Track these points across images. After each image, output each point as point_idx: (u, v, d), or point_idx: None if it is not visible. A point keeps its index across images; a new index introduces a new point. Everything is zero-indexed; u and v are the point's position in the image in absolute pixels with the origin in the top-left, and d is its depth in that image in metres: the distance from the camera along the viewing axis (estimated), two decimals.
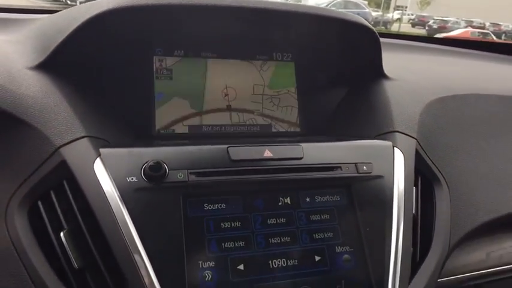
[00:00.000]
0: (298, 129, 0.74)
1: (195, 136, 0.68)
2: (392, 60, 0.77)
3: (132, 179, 0.50)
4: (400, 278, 0.55)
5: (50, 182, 0.50)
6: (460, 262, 0.68)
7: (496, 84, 0.88)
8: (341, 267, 0.54)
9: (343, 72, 0.78)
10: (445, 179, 0.67)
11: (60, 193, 0.50)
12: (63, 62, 0.59)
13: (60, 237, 0.48)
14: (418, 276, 0.58)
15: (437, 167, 0.67)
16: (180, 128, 0.69)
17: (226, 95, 0.71)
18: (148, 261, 0.47)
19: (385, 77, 0.74)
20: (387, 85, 0.73)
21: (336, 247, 0.55)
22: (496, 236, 0.73)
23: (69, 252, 0.48)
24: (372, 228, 0.57)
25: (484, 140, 0.76)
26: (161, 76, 0.69)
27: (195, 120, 0.70)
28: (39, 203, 0.50)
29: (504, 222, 0.71)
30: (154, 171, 0.50)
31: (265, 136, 0.72)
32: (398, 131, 0.65)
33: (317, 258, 0.54)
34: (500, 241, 0.73)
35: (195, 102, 0.70)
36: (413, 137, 0.65)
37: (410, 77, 0.78)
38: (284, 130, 0.73)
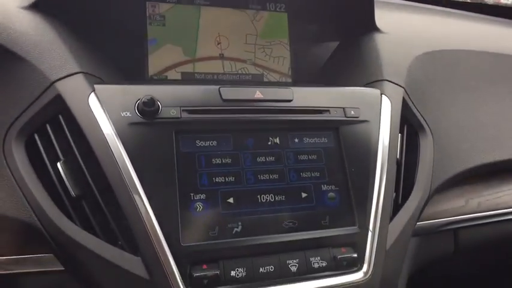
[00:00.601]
0: (289, 80, 0.75)
1: (188, 83, 0.69)
2: (386, 17, 0.78)
3: (126, 113, 0.52)
4: (381, 217, 0.58)
5: (45, 115, 0.52)
6: (440, 208, 0.71)
7: (487, 42, 0.90)
8: (326, 204, 0.57)
9: (335, 24, 0.78)
10: (429, 128, 0.69)
11: (56, 126, 0.52)
12: (56, 2, 0.59)
13: (57, 166, 0.50)
14: (398, 217, 0.61)
15: (423, 116, 0.69)
16: (173, 75, 0.70)
17: (218, 43, 0.72)
18: (143, 191, 0.50)
19: (377, 30, 0.75)
20: (379, 38, 0.74)
21: (322, 185, 0.58)
22: (475, 185, 0.76)
23: (66, 181, 0.50)
24: (357, 170, 0.59)
25: (470, 94, 0.78)
26: (154, 22, 0.69)
27: (187, 68, 0.70)
28: (36, 135, 0.52)
29: (483, 172, 0.74)
30: (148, 107, 0.52)
31: (256, 85, 0.73)
32: (386, 80, 0.67)
33: (303, 195, 0.57)
34: (479, 189, 0.76)
35: (188, 49, 0.71)
36: (401, 86, 0.67)
37: (402, 32, 0.80)
38: (276, 80, 0.75)
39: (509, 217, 0.76)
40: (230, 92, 0.57)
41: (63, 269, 0.52)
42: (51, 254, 0.51)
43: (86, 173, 0.50)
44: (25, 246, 0.52)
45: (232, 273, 0.50)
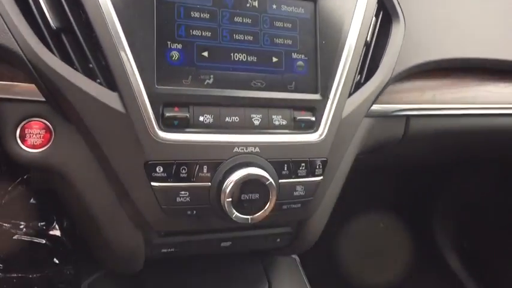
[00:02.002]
0: None
1: None
2: None
3: None
4: (341, 90, 0.63)
5: None
6: (396, 96, 0.77)
7: None
8: (294, 71, 0.62)
9: None
10: (403, 16, 0.72)
11: None
12: None
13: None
14: (357, 94, 0.67)
15: (399, 3, 0.71)
16: None
17: None
18: (122, 31, 0.52)
19: None
20: None
21: (293, 53, 0.62)
22: (434, 79, 0.81)
23: (46, 12, 0.51)
24: (328, 44, 0.63)
25: None
26: None
27: None
28: None
29: (445, 66, 0.79)
30: None
31: None
32: None
33: (274, 59, 0.61)
34: (437, 84, 0.82)
35: None
36: None
37: None
38: None
39: (461, 112, 0.83)
40: None
41: (44, 100, 0.56)
42: (33, 84, 0.55)
43: (65, 6, 0.51)
44: (9, 75, 0.55)
45: (201, 118, 0.56)
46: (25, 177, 1.34)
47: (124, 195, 0.56)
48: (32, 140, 0.56)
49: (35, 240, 1.30)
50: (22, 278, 1.24)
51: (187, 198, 0.56)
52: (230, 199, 0.55)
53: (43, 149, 0.56)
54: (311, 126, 0.62)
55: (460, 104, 0.83)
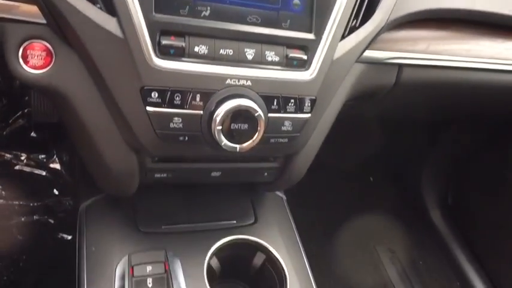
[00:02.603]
0: None
1: None
2: None
3: None
4: (335, 31, 0.65)
5: None
6: (391, 43, 0.79)
7: None
8: (290, 9, 0.63)
9: None
10: None
11: None
12: None
13: None
14: (351, 36, 0.68)
15: None
16: None
17: None
18: None
19: None
20: None
21: None
22: (430, 30, 0.82)
23: None
24: None
25: None
26: None
27: None
28: None
29: (441, 16, 0.80)
30: None
31: None
32: None
33: None
34: (432, 35, 0.83)
35: None
36: None
37: None
38: None
39: (453, 64, 0.85)
40: None
41: (45, 22, 0.58)
42: (35, 6, 0.56)
43: None
44: None
45: (196, 48, 0.58)
46: (25, 110, 1.37)
47: (120, 118, 0.60)
48: (34, 61, 0.58)
49: (36, 172, 1.36)
50: (23, 206, 1.30)
51: (180, 125, 0.59)
52: (220, 127, 0.59)
53: (44, 70, 0.59)
54: (302, 65, 0.64)
55: (453, 56, 0.85)
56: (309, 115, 0.66)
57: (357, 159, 1.60)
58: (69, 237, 1.27)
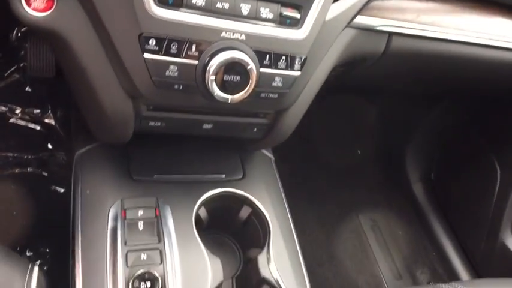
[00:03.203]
0: None
1: None
2: None
3: None
4: None
5: None
6: (382, 11, 0.81)
7: None
8: None
9: None
10: None
11: None
12: None
13: None
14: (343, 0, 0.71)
15: None
16: None
17: None
18: None
19: None
20: None
21: None
22: (423, 1, 0.85)
23: None
24: None
25: None
26: None
27: None
28: None
29: None
30: None
31: None
32: None
33: None
34: (424, 4, 0.86)
35: None
36: None
37: None
38: None
39: (442, 36, 0.88)
40: None
41: None
42: None
43: None
44: None
45: (193, 0, 0.60)
46: (21, 65, 1.38)
47: (119, 64, 0.62)
48: (36, 3, 0.60)
49: (30, 126, 1.39)
50: (17, 158, 1.33)
51: (176, 73, 0.62)
52: (214, 78, 0.62)
53: (46, 13, 0.61)
54: (295, 24, 0.67)
55: (442, 28, 0.88)
56: (298, 73, 0.69)
57: (345, 131, 1.64)
58: (62, 190, 1.31)
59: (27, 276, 0.66)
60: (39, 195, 1.27)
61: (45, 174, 1.33)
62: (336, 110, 1.68)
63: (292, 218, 0.90)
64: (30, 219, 1.23)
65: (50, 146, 1.37)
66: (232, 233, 0.90)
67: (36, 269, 0.69)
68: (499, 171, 1.42)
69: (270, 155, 0.99)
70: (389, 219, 1.68)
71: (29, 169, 1.32)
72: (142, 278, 0.66)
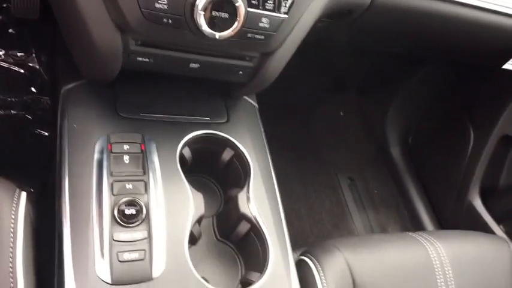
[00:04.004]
0: None
1: None
2: None
3: None
4: None
5: None
6: None
7: None
8: None
9: None
10: None
11: None
12: None
13: None
14: None
15: None
16: None
17: None
18: None
19: None
20: None
21: None
22: None
23: None
24: None
25: None
26: None
27: None
28: None
29: None
30: None
31: None
32: None
33: None
34: None
35: None
36: None
37: None
38: None
39: None
40: None
41: None
42: None
43: None
44: None
45: None
46: (4, 5, 1.35)
47: None
48: None
49: (14, 68, 1.37)
50: (1, 100, 1.33)
51: (165, 6, 0.63)
52: (203, 13, 0.63)
53: None
54: None
55: None
56: (285, 16, 0.71)
57: (330, 89, 1.67)
58: (47, 134, 1.32)
59: (15, 199, 0.69)
60: (23, 137, 1.28)
61: (30, 117, 1.33)
62: (320, 66, 1.70)
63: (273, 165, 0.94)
64: (14, 159, 1.24)
65: (33, 89, 1.36)
66: (214, 176, 0.94)
67: (24, 194, 0.71)
68: (472, 135, 1.48)
69: (254, 103, 1.02)
70: (367, 179, 1.75)
71: (12, 111, 1.32)
72: (128, 204, 0.70)
